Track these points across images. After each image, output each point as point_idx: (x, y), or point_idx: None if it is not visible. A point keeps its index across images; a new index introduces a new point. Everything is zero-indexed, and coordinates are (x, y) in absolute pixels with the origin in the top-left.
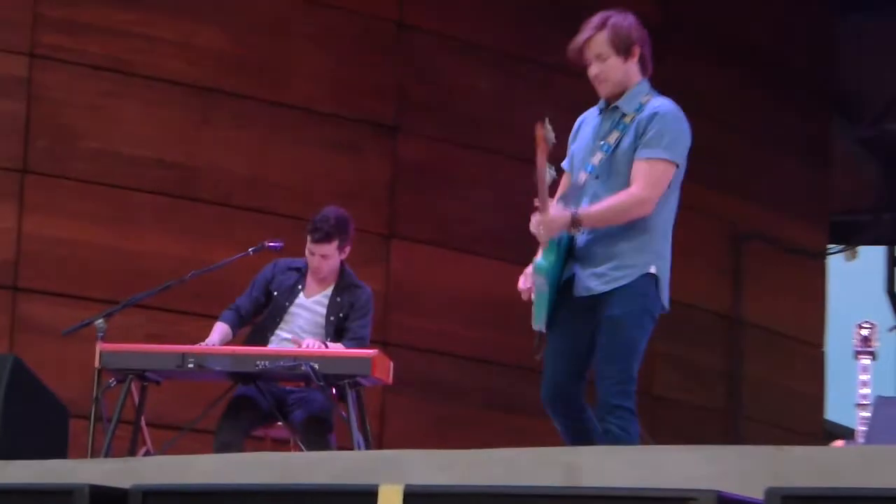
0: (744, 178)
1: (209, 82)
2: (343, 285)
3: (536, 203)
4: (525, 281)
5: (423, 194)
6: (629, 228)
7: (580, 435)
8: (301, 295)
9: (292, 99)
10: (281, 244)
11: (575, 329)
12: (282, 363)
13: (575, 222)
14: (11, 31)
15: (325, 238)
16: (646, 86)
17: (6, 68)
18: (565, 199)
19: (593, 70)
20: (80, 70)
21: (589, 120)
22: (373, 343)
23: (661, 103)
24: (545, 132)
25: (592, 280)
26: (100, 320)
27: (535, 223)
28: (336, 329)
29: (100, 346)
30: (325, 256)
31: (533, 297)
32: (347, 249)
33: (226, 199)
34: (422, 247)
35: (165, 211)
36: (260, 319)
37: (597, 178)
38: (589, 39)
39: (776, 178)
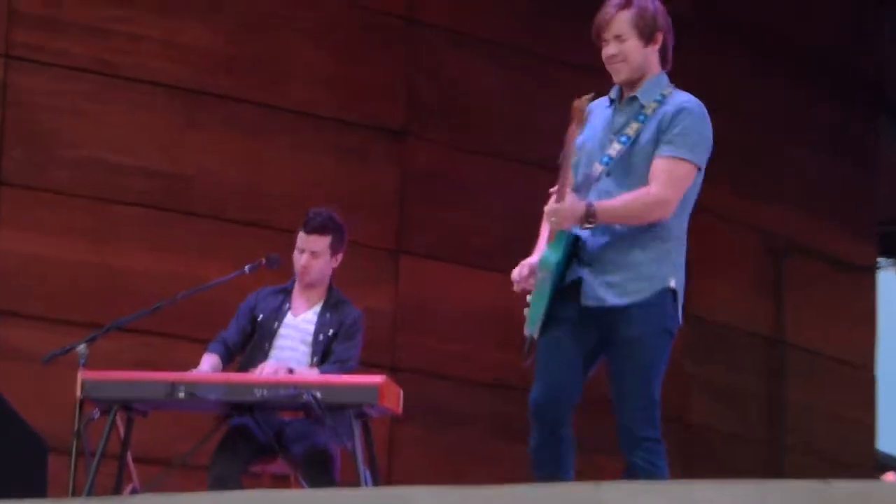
0: (783, 186)
1: (199, 83)
2: (332, 302)
3: (553, 189)
4: (522, 273)
5: (435, 205)
6: (647, 235)
7: (556, 454)
8: (289, 314)
9: (290, 101)
10: (279, 260)
11: (579, 337)
12: (281, 392)
13: (589, 215)
14: None
15: (319, 229)
16: (665, 78)
17: None
18: (576, 191)
19: (610, 50)
20: (59, 72)
21: (598, 111)
22: (380, 368)
23: (688, 98)
24: (582, 106)
25: (605, 290)
26: (82, 346)
27: (551, 210)
28: (324, 349)
29: (82, 375)
30: (316, 254)
31: (529, 296)
32: (340, 258)
33: (218, 212)
34: (433, 262)
35: (153, 225)
36: (249, 348)
37: (608, 174)
38: (611, 17)
39: (819, 184)
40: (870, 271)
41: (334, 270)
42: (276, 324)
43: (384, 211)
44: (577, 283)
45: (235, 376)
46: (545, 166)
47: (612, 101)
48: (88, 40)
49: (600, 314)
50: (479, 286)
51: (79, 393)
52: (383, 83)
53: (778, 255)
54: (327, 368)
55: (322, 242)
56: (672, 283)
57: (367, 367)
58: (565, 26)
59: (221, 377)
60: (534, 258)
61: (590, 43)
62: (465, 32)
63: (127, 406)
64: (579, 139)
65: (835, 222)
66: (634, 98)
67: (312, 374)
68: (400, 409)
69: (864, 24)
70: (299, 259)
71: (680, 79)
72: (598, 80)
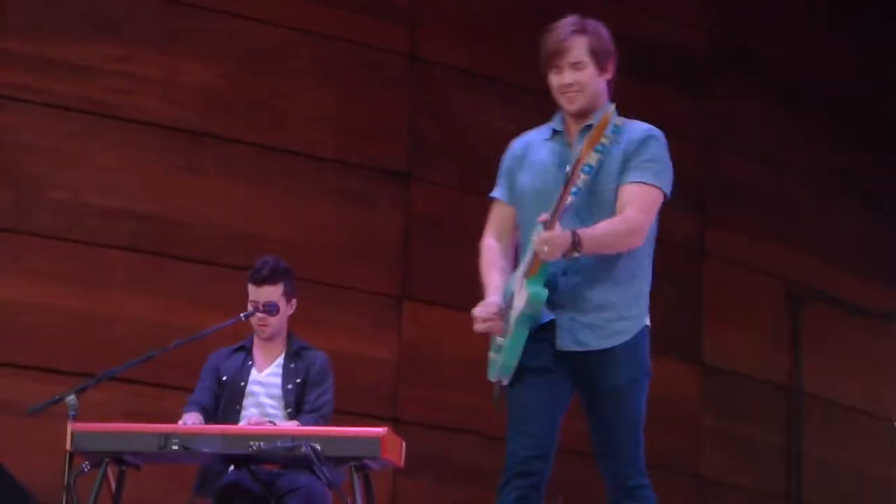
0: (801, 230)
1: (194, 124)
2: (293, 351)
3: (544, 216)
4: (490, 312)
5: (440, 250)
6: (621, 272)
7: None
8: (253, 371)
9: (289, 142)
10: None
11: (556, 382)
12: (279, 444)
13: (576, 244)
14: None
15: (269, 277)
16: (613, 107)
17: None
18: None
19: (566, 78)
20: (47, 111)
21: (536, 145)
22: (382, 420)
23: (649, 126)
24: (606, 122)
25: (584, 332)
26: (71, 396)
27: (544, 239)
28: (296, 398)
29: (71, 426)
30: (271, 304)
31: (501, 337)
32: (294, 303)
33: (213, 258)
34: (438, 309)
35: (144, 271)
36: (220, 412)
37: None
38: (569, 43)
39: (838, 229)
40: (890, 319)
41: (289, 318)
42: (243, 383)
43: (387, 256)
44: (549, 325)
45: (231, 428)
46: None
47: (554, 132)
48: (78, 79)
49: (578, 358)
50: (485, 334)
51: (68, 445)
52: (386, 123)
53: (796, 303)
54: (305, 420)
55: (275, 292)
56: (647, 321)
57: (368, 418)
58: None
59: (217, 429)
60: (496, 297)
61: None
62: (470, 71)
63: (118, 459)
64: (517, 175)
65: (854, 269)
66: (589, 126)
67: (302, 426)
68: (402, 462)
69: (886, 63)
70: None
71: (702, 123)
72: None
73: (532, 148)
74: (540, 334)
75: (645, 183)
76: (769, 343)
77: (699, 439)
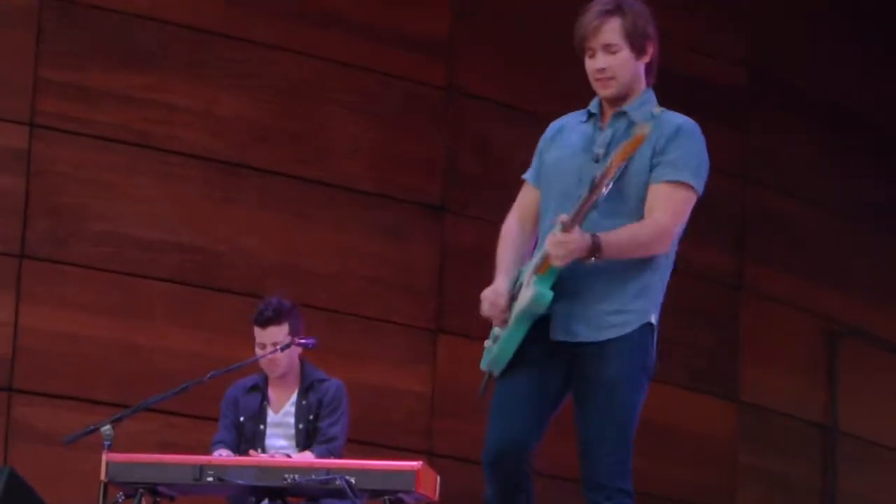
0: (839, 267)
1: (233, 156)
2: (307, 384)
3: (564, 218)
4: (500, 304)
5: (476, 284)
6: (631, 264)
7: None
8: (269, 412)
9: (327, 174)
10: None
11: (544, 374)
12: (314, 476)
13: (595, 250)
14: (9, 97)
15: (274, 319)
16: (653, 95)
17: (3, 139)
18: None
19: (598, 62)
20: (87, 141)
21: (571, 126)
22: (417, 454)
23: (684, 119)
24: (646, 132)
25: (579, 323)
26: (106, 426)
27: (559, 241)
28: (307, 434)
29: (106, 457)
30: (278, 345)
31: (501, 328)
32: (302, 337)
33: (251, 289)
34: (473, 343)
35: (182, 302)
36: (240, 452)
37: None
38: (600, 24)
39: (876, 266)
40: None
41: (301, 353)
42: (261, 426)
43: (423, 289)
44: (545, 317)
45: (266, 460)
46: None
47: (590, 114)
48: (118, 109)
49: (570, 349)
50: None
51: (103, 475)
52: (423, 156)
53: (833, 340)
54: (316, 451)
55: (281, 332)
56: (653, 319)
57: (403, 451)
58: None
59: (252, 460)
60: (505, 283)
61: None
62: (507, 104)
63: (153, 490)
64: (545, 157)
65: (892, 307)
66: (623, 114)
67: (306, 456)
68: (437, 496)
69: None
70: (264, 354)
71: (741, 157)
72: None
73: (566, 130)
74: (537, 324)
75: (677, 182)
76: (806, 380)
77: (735, 476)
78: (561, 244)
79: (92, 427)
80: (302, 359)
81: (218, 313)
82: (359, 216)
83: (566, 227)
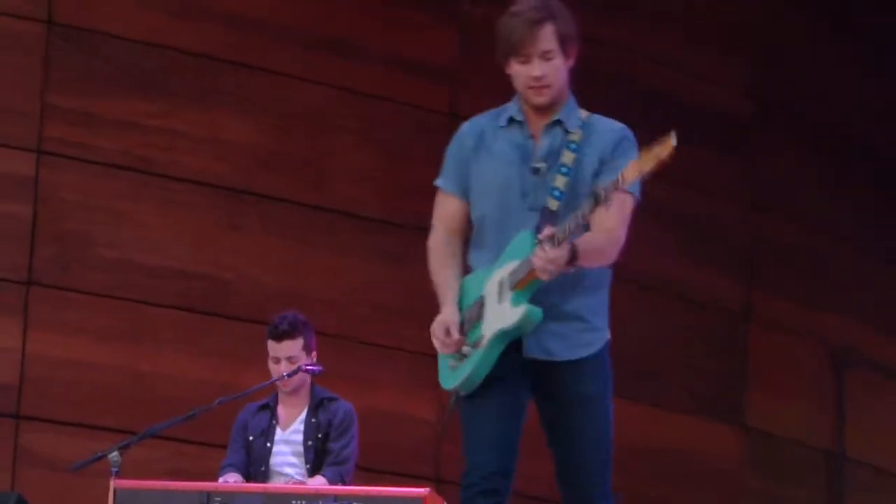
0: (847, 295)
1: (238, 182)
2: (317, 403)
3: (549, 232)
4: (455, 337)
5: None
6: (589, 280)
7: None
8: (277, 430)
9: (332, 201)
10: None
11: (515, 392)
12: (320, 503)
13: (574, 259)
14: (16, 124)
15: (289, 333)
16: (574, 100)
17: (9, 166)
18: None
19: (535, 70)
20: (94, 168)
21: (492, 132)
22: (424, 480)
23: (621, 126)
24: (671, 146)
25: (552, 341)
26: (114, 453)
27: (550, 259)
28: (316, 453)
29: (114, 483)
30: (292, 359)
31: (473, 350)
32: (315, 356)
33: (257, 316)
34: None
35: (189, 329)
36: (248, 472)
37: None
38: (537, 29)
39: (882, 292)
40: None
41: (304, 373)
42: (269, 444)
43: (429, 315)
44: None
45: (273, 487)
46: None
47: (512, 120)
48: (125, 136)
49: (541, 366)
50: None
51: (111, 502)
52: (428, 182)
53: (840, 368)
54: (328, 473)
55: (295, 346)
56: (608, 334)
57: (410, 478)
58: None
59: (258, 487)
60: (452, 315)
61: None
62: None
63: None
64: (470, 165)
65: None
66: (557, 122)
67: (327, 479)
68: None
69: None
70: (277, 370)
71: (748, 186)
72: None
73: (486, 136)
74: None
75: (624, 192)
76: (813, 407)
77: (742, 503)
78: (552, 260)
79: (99, 454)
80: (313, 379)
81: (224, 340)
82: (364, 242)
83: (555, 241)
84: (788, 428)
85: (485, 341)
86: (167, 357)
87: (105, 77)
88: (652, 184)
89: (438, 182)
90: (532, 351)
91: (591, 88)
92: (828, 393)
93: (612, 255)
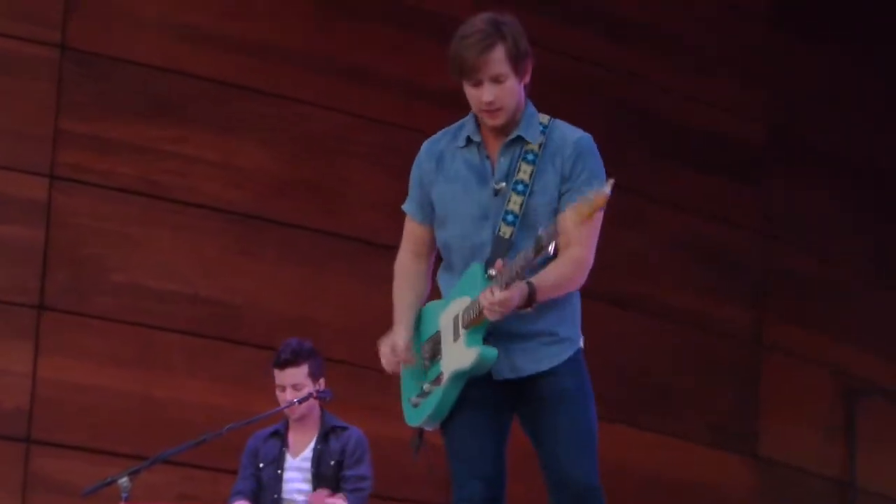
0: (858, 323)
1: (252, 208)
2: (327, 430)
3: (499, 266)
4: (410, 358)
5: None
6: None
7: None
8: (288, 457)
9: (347, 227)
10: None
11: (496, 414)
12: None
13: (531, 300)
14: (29, 149)
15: (293, 361)
16: (532, 106)
17: (22, 190)
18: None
19: (486, 95)
20: (106, 193)
21: (451, 153)
22: None
23: (580, 134)
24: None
25: (519, 358)
26: (124, 478)
27: (501, 300)
28: (323, 480)
29: None
30: (298, 387)
31: (433, 387)
32: (322, 382)
33: (269, 342)
34: None
35: (200, 354)
36: (259, 501)
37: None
38: (487, 55)
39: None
40: None
41: (315, 400)
42: (279, 471)
43: None
44: None
45: None
46: (615, 300)
47: (470, 141)
48: (137, 161)
49: (515, 384)
50: None
51: None
52: None
53: (852, 397)
54: (352, 499)
55: (299, 374)
56: (582, 343)
57: None
58: (637, 155)
59: None
60: (401, 337)
61: (658, 173)
62: None
63: None
64: (432, 189)
65: None
66: (518, 139)
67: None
68: None
69: None
70: (283, 397)
71: (759, 214)
72: (669, 213)
73: (446, 158)
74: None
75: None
76: (825, 437)
77: None
78: (501, 305)
79: (109, 479)
80: (323, 407)
81: (236, 365)
82: (377, 269)
83: (503, 287)
84: (800, 458)
85: (444, 380)
86: (178, 382)
87: (118, 102)
88: (665, 212)
89: (404, 206)
90: (502, 373)
91: (603, 115)
92: (840, 423)
93: (579, 281)
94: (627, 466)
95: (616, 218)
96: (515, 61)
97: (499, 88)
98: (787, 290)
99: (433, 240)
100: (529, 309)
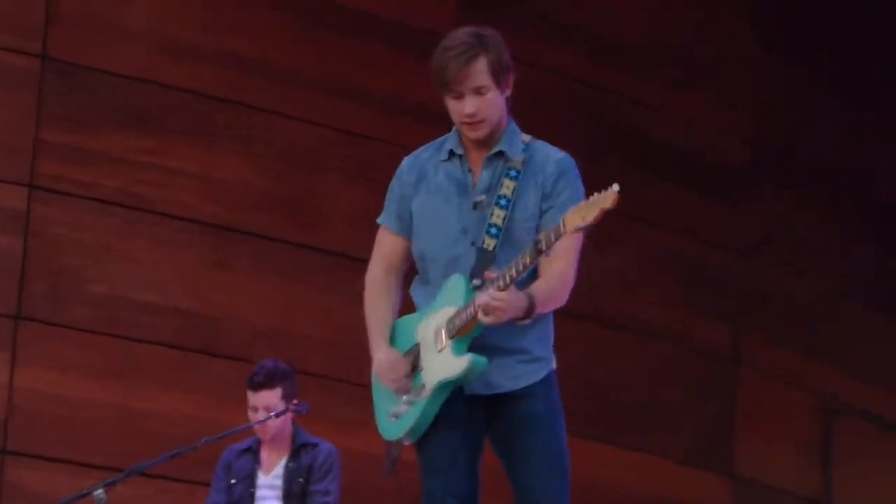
0: (837, 343)
1: (231, 220)
2: (298, 447)
3: (492, 274)
4: (399, 373)
5: None
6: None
7: None
8: (260, 475)
9: (325, 241)
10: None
11: (470, 432)
12: None
13: (531, 310)
14: (8, 159)
15: (266, 382)
16: (514, 124)
17: (2, 200)
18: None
19: (467, 107)
20: (85, 204)
21: (433, 166)
22: None
23: (562, 155)
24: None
25: (494, 374)
26: (100, 490)
27: (498, 301)
28: (292, 497)
29: None
30: (270, 408)
31: (415, 399)
32: (295, 402)
33: (246, 354)
34: None
35: (177, 366)
36: None
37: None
38: (470, 66)
39: (874, 343)
40: None
41: (293, 417)
42: (252, 489)
43: None
44: None
45: None
46: (617, 326)
47: (453, 153)
48: (117, 172)
49: (487, 401)
50: None
51: None
52: None
53: (829, 417)
54: None
55: (272, 397)
56: (554, 364)
57: None
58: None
59: None
60: (395, 352)
61: (652, 194)
62: None
63: None
64: (411, 202)
65: (889, 384)
66: (500, 153)
67: None
68: None
69: None
70: (255, 417)
71: (739, 233)
72: (655, 231)
73: (427, 171)
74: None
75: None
76: (802, 457)
77: None
78: (499, 308)
79: (85, 491)
80: (294, 422)
81: (213, 378)
82: (355, 283)
83: (502, 288)
84: (777, 477)
85: (427, 391)
86: (155, 394)
87: (99, 113)
88: (646, 230)
89: (379, 219)
90: (474, 387)
91: (584, 132)
92: (817, 442)
93: (564, 298)
94: (602, 484)
95: (596, 235)
96: (497, 74)
97: (480, 100)
98: (767, 309)
99: (407, 253)
100: (527, 321)
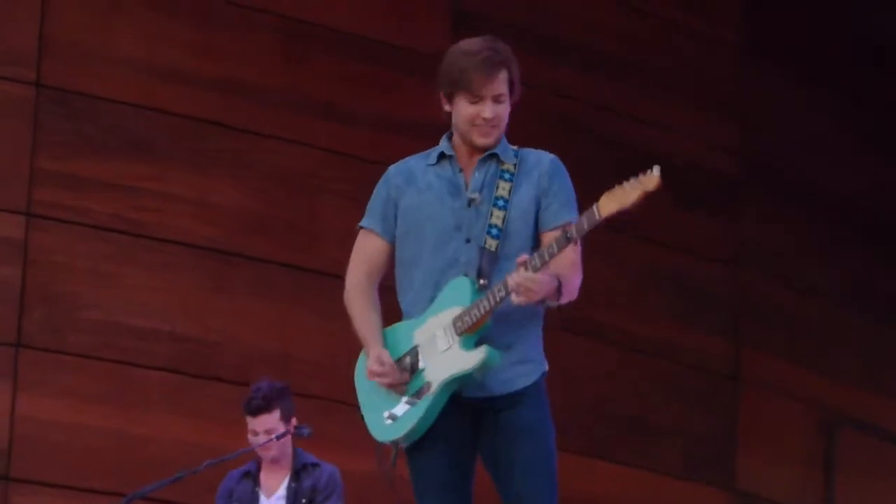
0: (836, 355)
1: (226, 244)
2: (299, 467)
3: (524, 258)
4: (393, 374)
5: None
6: (519, 315)
7: None
8: (262, 497)
9: (321, 264)
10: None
11: (463, 442)
12: None
13: (559, 293)
14: (5, 187)
15: (263, 407)
16: (506, 143)
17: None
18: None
19: (486, 112)
20: (83, 231)
21: (421, 169)
22: None
23: (549, 154)
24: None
25: (489, 376)
26: None
27: (529, 280)
28: None
29: None
30: (270, 432)
31: (416, 400)
32: (294, 421)
33: (244, 378)
34: None
35: (177, 390)
36: None
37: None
38: (495, 73)
39: (873, 354)
40: None
41: (293, 437)
42: None
43: None
44: None
45: None
46: (618, 342)
47: (443, 156)
48: (114, 198)
49: (479, 404)
50: None
51: None
52: None
53: (830, 429)
54: None
55: (272, 420)
56: (546, 366)
57: None
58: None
59: None
60: (388, 355)
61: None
62: None
63: None
64: (401, 203)
65: (890, 396)
66: (493, 156)
67: None
68: None
69: None
70: (256, 441)
71: (733, 245)
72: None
73: (417, 174)
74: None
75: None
76: (802, 470)
77: None
78: (532, 289)
79: None
80: (295, 442)
81: (212, 402)
82: None
83: (536, 269)
84: (778, 491)
85: (433, 388)
86: (155, 419)
87: (94, 140)
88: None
89: (361, 223)
90: (470, 390)
91: (575, 145)
92: (818, 455)
93: (578, 287)
94: (601, 500)
95: (588, 248)
96: (512, 86)
97: (499, 107)
98: (763, 321)
99: (388, 259)
100: (556, 302)
